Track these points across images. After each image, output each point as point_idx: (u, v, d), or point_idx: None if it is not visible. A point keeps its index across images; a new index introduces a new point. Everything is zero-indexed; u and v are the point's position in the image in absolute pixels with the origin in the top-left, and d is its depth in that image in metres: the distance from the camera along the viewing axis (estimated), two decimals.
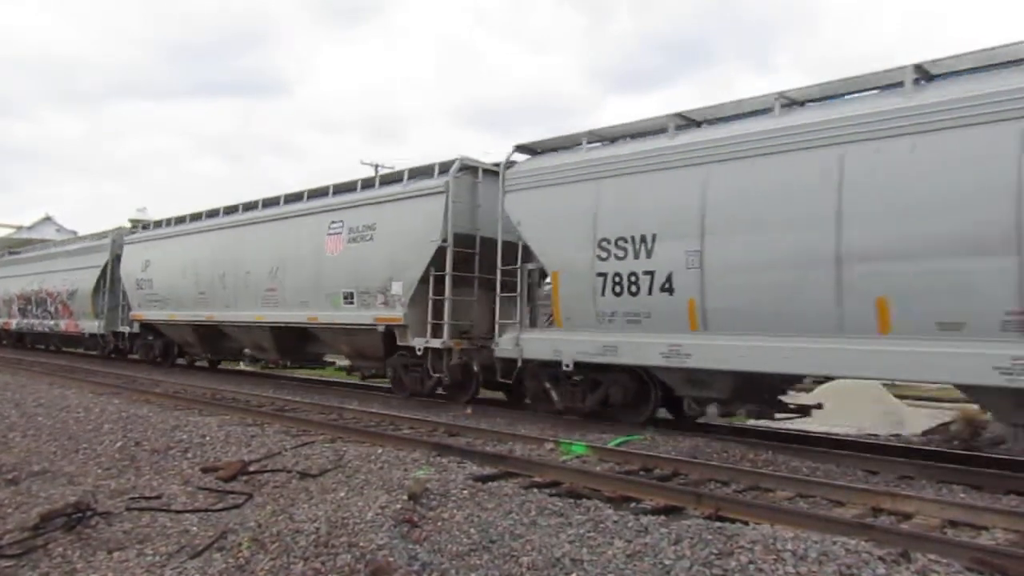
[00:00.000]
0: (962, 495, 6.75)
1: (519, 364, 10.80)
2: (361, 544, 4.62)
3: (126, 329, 21.00)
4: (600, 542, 4.63)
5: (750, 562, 4.17)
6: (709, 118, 9.41)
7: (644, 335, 9.21)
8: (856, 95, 8.26)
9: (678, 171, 8.99)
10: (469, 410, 12.12)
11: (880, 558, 4.13)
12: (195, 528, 5.61)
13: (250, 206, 16.45)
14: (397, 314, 12.37)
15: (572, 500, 5.71)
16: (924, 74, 7.74)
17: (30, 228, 63.85)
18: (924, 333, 7.20)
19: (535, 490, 6.16)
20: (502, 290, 11.25)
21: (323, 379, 18.08)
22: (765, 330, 8.24)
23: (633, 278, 9.24)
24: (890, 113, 7.53)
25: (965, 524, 5.61)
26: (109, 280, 21.67)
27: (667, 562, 4.26)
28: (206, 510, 6.06)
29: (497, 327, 11.21)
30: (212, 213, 17.73)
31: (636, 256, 9.23)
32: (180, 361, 20.66)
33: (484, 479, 6.49)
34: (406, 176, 12.90)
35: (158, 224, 20.21)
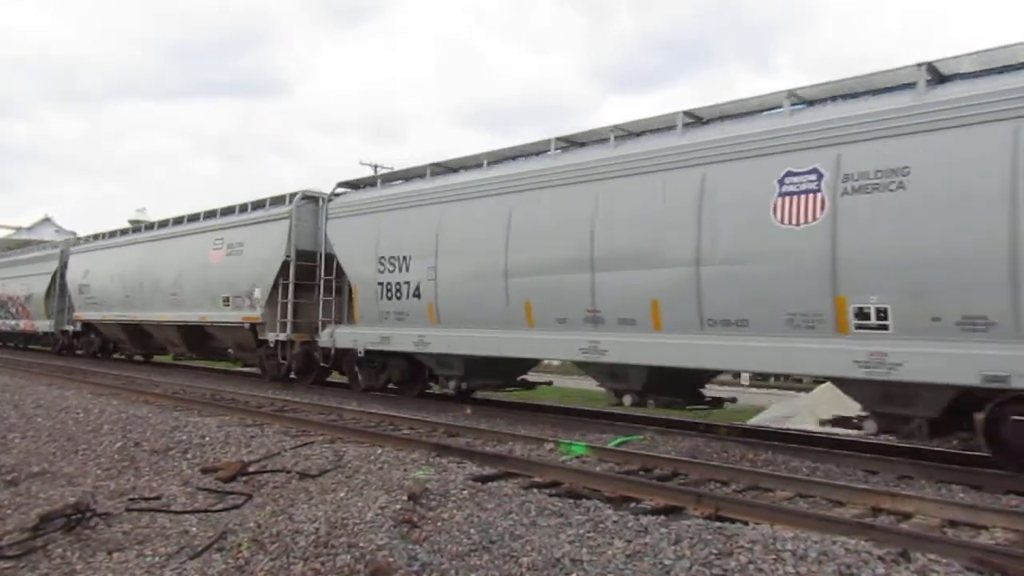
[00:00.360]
0: (962, 495, 6.75)
1: (333, 352, 14.18)
2: (361, 544, 4.62)
3: (71, 328, 24.08)
4: (600, 542, 4.63)
5: (750, 562, 4.17)
6: (461, 166, 12.48)
7: (406, 328, 12.51)
8: (535, 155, 11.39)
9: (425, 208, 12.36)
10: (469, 410, 12.15)
11: (880, 558, 4.13)
12: (195, 529, 5.61)
13: (164, 224, 19.85)
14: (257, 314, 15.67)
15: (572, 500, 5.70)
16: (569, 143, 10.95)
17: (29, 229, 63.78)
18: (549, 325, 10.51)
19: (535, 490, 6.16)
20: (326, 294, 14.56)
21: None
22: (473, 324, 11.42)
23: (399, 286, 12.59)
24: (536, 172, 10.82)
25: (965, 524, 5.61)
26: (58, 285, 24.69)
27: (667, 562, 4.26)
28: (206, 511, 6.06)
29: (320, 323, 14.47)
30: (136, 229, 21.40)
31: (400, 270, 12.57)
32: (118, 356, 23.69)
33: (484, 479, 6.49)
34: (268, 203, 16.02)
35: (96, 237, 23.44)
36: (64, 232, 65.15)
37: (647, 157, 9.51)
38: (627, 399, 10.02)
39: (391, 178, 13.94)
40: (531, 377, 13.37)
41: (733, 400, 11.49)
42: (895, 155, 7.48)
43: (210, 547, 5.05)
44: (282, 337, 15.27)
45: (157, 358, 23.12)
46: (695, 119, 9.44)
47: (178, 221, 19.10)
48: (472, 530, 4.89)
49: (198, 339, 18.61)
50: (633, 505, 5.98)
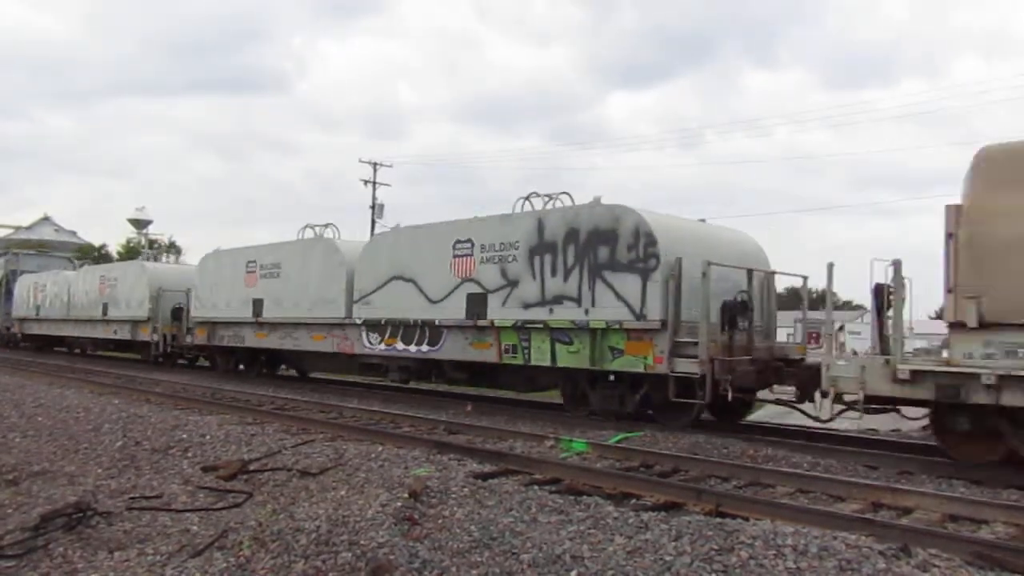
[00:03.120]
0: (962, 489, 6.76)
1: None
2: (362, 542, 4.62)
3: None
4: (601, 539, 4.63)
5: (751, 557, 4.17)
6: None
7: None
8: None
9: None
10: (469, 407, 12.13)
11: (881, 553, 4.13)
12: (196, 527, 5.61)
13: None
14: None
15: (572, 497, 5.71)
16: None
17: (28, 228, 63.71)
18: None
19: (535, 487, 6.16)
20: None
21: (322, 378, 18.09)
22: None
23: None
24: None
25: (965, 518, 5.62)
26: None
27: (668, 558, 4.26)
28: (206, 509, 6.06)
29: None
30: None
31: None
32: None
33: (484, 476, 6.49)
34: None
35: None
36: (64, 231, 65.06)
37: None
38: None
39: None
40: None
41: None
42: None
43: (211, 545, 5.05)
44: None
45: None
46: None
47: None
48: (473, 527, 4.89)
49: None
50: (634, 502, 5.98)
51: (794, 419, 10.83)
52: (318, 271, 15.45)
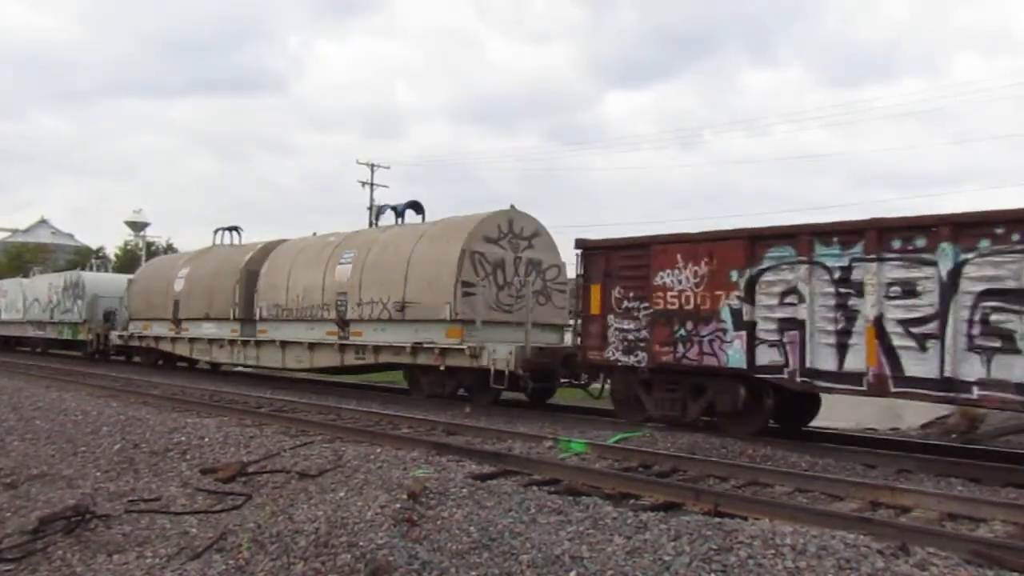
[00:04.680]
0: (960, 488, 6.77)
1: None
2: (361, 544, 4.62)
3: None
4: (600, 539, 4.63)
5: (749, 557, 4.18)
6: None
7: None
8: None
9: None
10: (468, 409, 12.16)
11: (879, 551, 4.14)
12: (195, 530, 5.61)
13: None
14: None
15: (571, 497, 5.71)
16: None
17: (25, 231, 63.69)
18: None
19: (534, 488, 6.16)
20: None
21: (321, 379, 18.09)
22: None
23: None
24: None
25: (964, 517, 5.63)
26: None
27: (667, 558, 4.26)
28: (205, 511, 6.06)
29: None
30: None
31: None
32: None
33: (483, 477, 6.49)
34: None
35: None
36: (61, 234, 65.00)
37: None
38: None
39: None
40: None
41: None
42: None
43: (210, 548, 5.04)
44: None
45: None
46: None
47: None
48: (472, 528, 4.89)
49: None
50: (632, 502, 5.99)
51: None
52: (17, 294, 31.55)
